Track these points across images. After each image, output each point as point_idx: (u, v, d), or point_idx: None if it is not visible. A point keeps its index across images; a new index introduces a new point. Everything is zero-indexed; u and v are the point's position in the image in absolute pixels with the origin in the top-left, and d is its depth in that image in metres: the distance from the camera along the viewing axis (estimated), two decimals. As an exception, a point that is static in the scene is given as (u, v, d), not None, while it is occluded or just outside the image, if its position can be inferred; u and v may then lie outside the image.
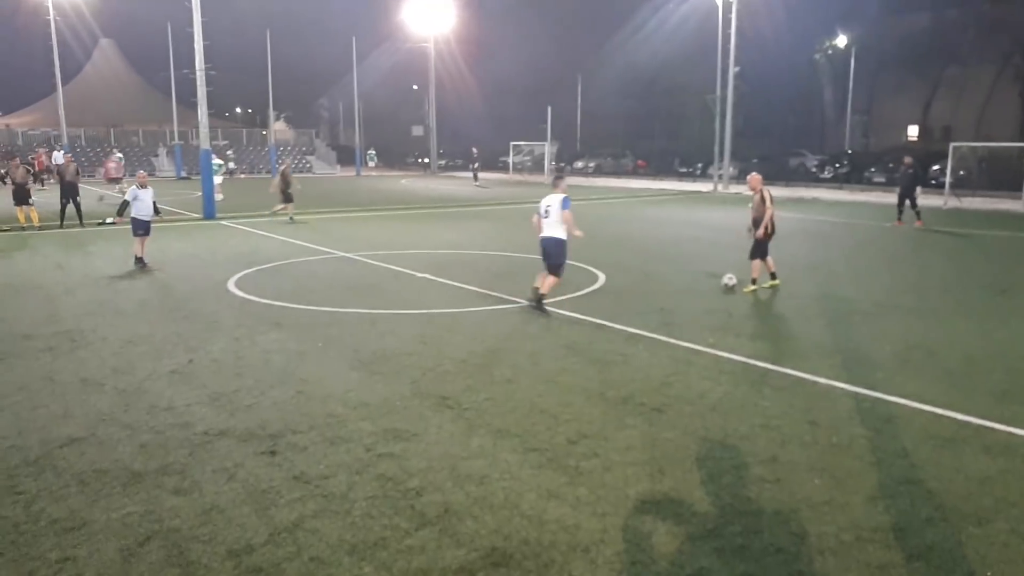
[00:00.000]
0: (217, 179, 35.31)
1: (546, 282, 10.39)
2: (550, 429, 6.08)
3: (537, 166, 52.62)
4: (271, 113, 59.48)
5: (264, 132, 65.64)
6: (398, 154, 73.06)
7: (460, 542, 4.37)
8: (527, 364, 7.94)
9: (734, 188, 37.75)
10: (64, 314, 10.35)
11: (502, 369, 7.75)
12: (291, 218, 22.94)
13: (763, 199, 11.84)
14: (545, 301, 10.38)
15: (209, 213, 23.94)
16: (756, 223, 11.91)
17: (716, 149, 40.68)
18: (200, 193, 25.11)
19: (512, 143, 54.60)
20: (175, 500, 4.87)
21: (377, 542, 4.37)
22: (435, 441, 5.85)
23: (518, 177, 51.15)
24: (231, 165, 49.98)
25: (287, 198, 23.31)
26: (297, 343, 8.79)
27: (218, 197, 25.61)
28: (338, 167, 63.57)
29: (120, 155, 44.22)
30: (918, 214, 21.94)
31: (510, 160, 54.21)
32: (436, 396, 6.88)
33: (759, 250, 11.94)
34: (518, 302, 10.92)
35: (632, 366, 7.90)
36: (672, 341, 8.85)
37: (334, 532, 4.48)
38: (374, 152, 70.10)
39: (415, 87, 69.69)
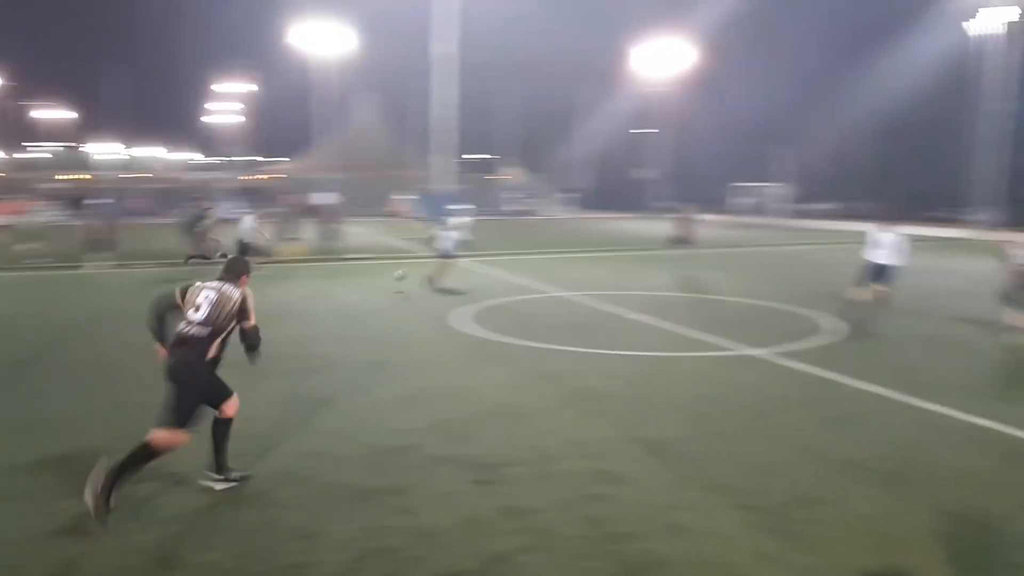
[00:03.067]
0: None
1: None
2: (768, 488, 5.73)
3: (764, 209, 50.63)
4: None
5: (488, 177, 68.74)
6: (623, 196, 73.33)
7: (666, 596, 4.22)
8: (746, 416, 7.56)
9: (995, 235, 33.79)
10: (316, 339, 11.47)
11: (719, 419, 7.46)
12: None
13: None
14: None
15: (443, 251, 25.46)
16: None
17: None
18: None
19: (734, 185, 53.12)
20: (396, 519, 5.16)
21: (582, 585, 4.34)
22: (645, 488, 5.73)
23: (742, 220, 49.38)
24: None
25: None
26: (514, 378, 9.06)
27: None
28: (566, 209, 64.69)
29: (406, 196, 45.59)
30: None
31: (740, 201, 52.73)
32: (648, 441, 6.76)
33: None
34: (737, 350, 10.48)
35: (866, 427, 7.26)
36: (913, 401, 8.02)
37: (540, 568, 4.52)
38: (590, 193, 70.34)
39: (636, 131, 69.85)
